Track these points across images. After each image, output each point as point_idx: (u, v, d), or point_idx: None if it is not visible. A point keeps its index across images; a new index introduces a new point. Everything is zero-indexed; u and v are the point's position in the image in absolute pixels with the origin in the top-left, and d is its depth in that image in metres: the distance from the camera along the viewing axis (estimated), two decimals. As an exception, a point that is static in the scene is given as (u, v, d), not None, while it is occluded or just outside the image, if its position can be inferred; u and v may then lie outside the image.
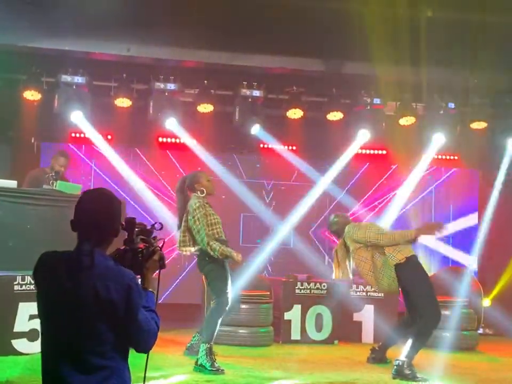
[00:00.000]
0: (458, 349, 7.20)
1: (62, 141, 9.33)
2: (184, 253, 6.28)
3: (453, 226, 10.35)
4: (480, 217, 9.85)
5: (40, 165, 8.97)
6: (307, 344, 7.45)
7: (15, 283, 6.09)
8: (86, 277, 2.51)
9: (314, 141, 9.52)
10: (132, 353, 2.69)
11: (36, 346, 5.74)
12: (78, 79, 8.30)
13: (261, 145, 9.77)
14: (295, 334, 7.67)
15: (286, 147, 9.77)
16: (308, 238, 9.87)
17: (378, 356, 6.60)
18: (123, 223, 2.70)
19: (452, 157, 10.32)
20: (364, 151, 9.98)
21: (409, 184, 9.81)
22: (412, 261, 6.15)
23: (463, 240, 10.19)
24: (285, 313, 7.69)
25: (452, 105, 9.09)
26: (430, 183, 10.37)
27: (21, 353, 5.99)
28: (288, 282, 7.88)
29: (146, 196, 9.31)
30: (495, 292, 9.45)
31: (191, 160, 9.14)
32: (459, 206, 10.46)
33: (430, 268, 9.49)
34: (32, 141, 9.22)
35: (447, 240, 10.28)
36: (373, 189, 10.19)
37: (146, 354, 2.73)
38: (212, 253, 6.00)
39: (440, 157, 10.05)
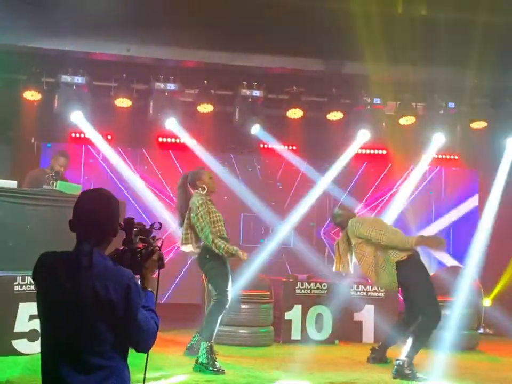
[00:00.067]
0: (458, 348, 7.19)
1: (62, 141, 9.34)
2: (186, 250, 6.26)
3: (453, 226, 10.37)
4: (480, 217, 9.84)
5: (40, 165, 8.98)
6: (307, 344, 7.44)
7: (15, 283, 6.09)
8: (85, 277, 2.51)
9: (314, 141, 9.53)
10: (132, 353, 2.69)
11: (36, 347, 5.73)
12: (78, 79, 8.30)
13: (261, 145, 9.78)
14: (296, 334, 7.67)
15: (286, 147, 9.78)
16: (308, 238, 9.87)
17: (378, 356, 6.60)
18: (122, 223, 2.70)
19: (451, 157, 10.33)
20: (364, 151, 9.98)
21: (409, 184, 9.81)
22: (414, 259, 6.13)
23: (463, 240, 10.18)
24: (285, 313, 7.69)
25: (452, 105, 9.09)
26: (430, 183, 10.37)
27: (21, 354, 5.99)
28: (288, 282, 7.88)
29: (146, 196, 9.31)
30: (495, 291, 9.45)
31: (191, 160, 9.13)
32: (459, 205, 10.46)
33: (430, 267, 9.49)
34: (32, 141, 9.23)
35: (448, 239, 10.28)
36: (373, 188, 10.19)
37: (146, 354, 2.73)
38: (216, 251, 5.98)
39: (440, 156, 10.06)
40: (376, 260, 6.16)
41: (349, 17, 7.02)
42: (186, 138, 9.22)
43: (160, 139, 9.66)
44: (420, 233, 8.43)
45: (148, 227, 2.79)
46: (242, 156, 10.01)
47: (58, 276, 2.54)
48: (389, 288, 6.43)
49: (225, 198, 9.13)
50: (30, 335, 6.02)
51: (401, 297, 6.62)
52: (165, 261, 2.82)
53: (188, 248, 6.20)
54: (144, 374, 2.86)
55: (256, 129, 9.00)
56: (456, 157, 10.32)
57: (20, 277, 6.10)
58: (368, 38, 7.27)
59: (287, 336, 7.65)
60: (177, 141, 9.46)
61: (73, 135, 9.24)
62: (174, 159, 9.68)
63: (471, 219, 10.31)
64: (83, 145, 9.46)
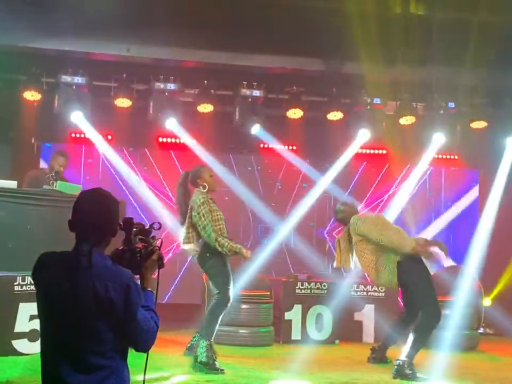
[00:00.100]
0: (458, 348, 7.18)
1: (62, 141, 9.34)
2: (187, 248, 6.23)
3: (453, 226, 10.37)
4: (480, 217, 9.84)
5: (40, 165, 8.99)
6: (308, 344, 7.43)
7: (15, 283, 6.09)
8: (84, 276, 2.52)
9: (314, 141, 9.53)
10: (132, 353, 2.69)
11: (36, 347, 5.71)
12: (78, 79, 8.30)
13: (261, 145, 9.78)
14: (296, 334, 7.66)
15: (286, 147, 9.78)
16: (308, 237, 9.86)
17: (379, 356, 6.60)
18: (121, 223, 2.70)
19: (452, 157, 10.33)
20: (364, 151, 9.98)
21: (409, 183, 9.81)
22: (415, 258, 6.11)
23: (463, 239, 10.18)
24: (286, 313, 7.69)
25: (452, 104, 9.08)
26: (430, 183, 10.36)
27: (21, 354, 5.99)
28: (288, 282, 7.88)
29: (146, 196, 9.32)
30: (495, 291, 9.45)
31: (191, 160, 9.12)
32: (459, 205, 10.46)
33: (430, 267, 9.48)
34: (32, 141, 9.23)
35: (448, 239, 10.28)
36: (373, 188, 10.19)
37: (146, 354, 2.73)
38: (219, 249, 5.96)
39: (440, 156, 10.05)
40: (377, 258, 6.15)
41: (349, 17, 7.03)
42: (186, 138, 9.22)
43: (160, 139, 9.66)
44: (420, 235, 8.46)
45: (147, 227, 2.79)
46: (242, 156, 10.01)
47: (58, 276, 2.54)
48: (389, 286, 6.42)
49: (226, 198, 9.13)
50: (30, 335, 6.02)
51: (401, 297, 6.61)
52: (165, 261, 2.82)
53: (190, 247, 6.18)
54: (144, 374, 2.86)
55: (256, 129, 9.01)
56: (456, 157, 10.33)
57: (20, 277, 6.10)
58: (368, 38, 7.27)
59: (287, 336, 7.65)
60: (177, 141, 9.46)
61: (73, 135, 9.25)
62: (174, 159, 9.68)
63: (471, 219, 10.30)
64: (83, 145, 9.45)
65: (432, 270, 6.35)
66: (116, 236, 2.67)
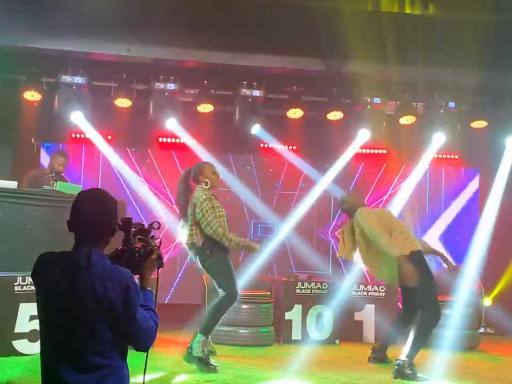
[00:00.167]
0: (459, 348, 7.18)
1: (62, 141, 9.34)
2: (187, 247, 6.18)
3: (453, 226, 10.37)
4: (480, 216, 9.84)
5: (40, 165, 8.99)
6: (308, 344, 7.43)
7: (15, 284, 6.09)
8: (83, 276, 2.52)
9: (314, 141, 9.53)
10: (132, 353, 2.69)
11: (36, 347, 5.67)
12: (78, 80, 8.30)
13: (261, 145, 9.78)
14: (296, 334, 7.66)
15: (286, 147, 9.78)
16: (308, 237, 9.86)
17: (379, 356, 6.59)
18: (120, 223, 2.70)
19: (452, 156, 10.32)
20: (364, 151, 9.98)
21: (409, 183, 9.81)
22: (417, 256, 6.06)
23: (463, 239, 10.18)
24: (286, 313, 7.69)
25: (452, 104, 9.08)
26: (430, 182, 10.36)
27: (22, 354, 5.99)
28: (288, 282, 7.87)
29: (146, 196, 9.31)
30: (496, 291, 9.45)
31: (191, 160, 9.08)
32: (459, 205, 10.46)
33: (430, 267, 9.48)
34: (32, 141, 9.23)
35: (448, 239, 10.29)
36: (372, 188, 10.18)
37: (145, 354, 2.73)
38: (227, 243, 5.92)
39: (440, 156, 10.05)
40: (378, 252, 6.11)
41: (349, 17, 7.02)
42: (186, 138, 9.22)
43: (160, 139, 9.66)
44: (423, 236, 8.44)
45: (146, 227, 2.79)
46: (241, 156, 10.00)
47: (57, 276, 2.55)
48: (389, 281, 6.39)
49: (228, 199, 9.13)
50: (30, 336, 6.01)
51: (400, 297, 6.60)
52: (164, 260, 2.82)
53: (192, 241, 6.12)
54: (144, 374, 2.86)
55: (256, 129, 9.00)
56: (456, 157, 10.32)
57: (20, 277, 6.10)
58: (368, 38, 7.27)
59: (287, 336, 7.65)
60: (178, 141, 9.46)
61: (73, 135, 9.24)
62: (174, 159, 9.67)
63: (471, 218, 10.30)
64: (83, 146, 9.45)
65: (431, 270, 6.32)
66: (114, 235, 2.67)
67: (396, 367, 5.95)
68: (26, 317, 6.02)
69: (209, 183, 6.12)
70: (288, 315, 7.69)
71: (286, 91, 8.97)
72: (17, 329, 6.06)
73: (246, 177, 9.81)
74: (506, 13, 7.34)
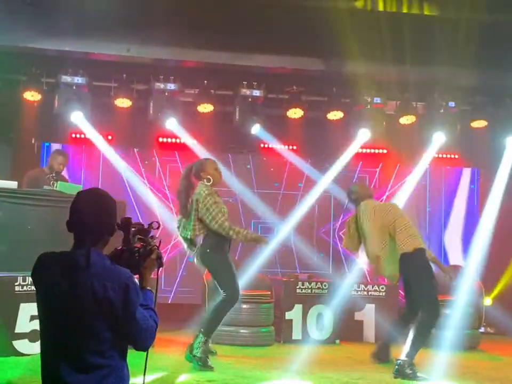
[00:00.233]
0: (459, 348, 7.18)
1: (63, 141, 9.34)
2: (189, 240, 6.13)
3: (454, 226, 10.37)
4: (480, 216, 9.84)
5: (41, 165, 8.99)
6: (308, 343, 7.42)
7: (16, 284, 6.09)
8: (83, 276, 2.52)
9: (314, 141, 9.53)
10: (132, 353, 2.69)
11: (37, 347, 5.66)
12: (78, 80, 8.30)
13: (261, 145, 9.78)
14: (296, 334, 7.66)
15: (286, 147, 9.78)
16: (309, 237, 9.86)
17: (383, 356, 6.53)
18: (119, 222, 2.70)
19: (452, 156, 10.32)
20: (364, 150, 9.98)
21: (409, 183, 9.81)
22: (419, 254, 6.03)
23: (463, 239, 10.19)
24: (286, 312, 7.68)
25: (452, 104, 9.07)
26: (430, 182, 10.36)
27: (22, 354, 5.98)
28: (289, 282, 7.87)
29: (146, 196, 9.32)
30: (496, 290, 9.45)
31: (191, 160, 9.08)
32: (459, 204, 10.46)
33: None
34: (33, 141, 9.24)
35: (448, 239, 10.28)
36: (372, 187, 10.18)
37: (145, 354, 2.73)
38: (234, 236, 5.88)
39: (440, 155, 10.05)
40: (386, 247, 6.08)
41: (349, 17, 7.02)
42: (186, 138, 9.22)
43: (160, 139, 9.65)
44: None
45: (146, 226, 2.79)
46: (241, 156, 10.00)
47: (57, 276, 2.55)
48: (390, 279, 6.33)
49: (230, 200, 9.12)
50: (31, 336, 6.01)
51: (403, 292, 6.57)
52: (164, 260, 2.82)
53: (195, 235, 6.09)
54: (144, 374, 2.86)
55: (256, 129, 9.01)
56: (456, 156, 10.32)
57: (21, 277, 6.10)
58: (368, 38, 7.27)
59: (288, 336, 7.65)
60: (178, 141, 9.46)
61: (73, 135, 9.24)
62: (175, 159, 9.67)
63: (471, 218, 10.30)
64: (83, 146, 9.45)
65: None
66: (113, 235, 2.67)
67: (396, 366, 5.94)
68: (27, 317, 6.02)
69: (211, 180, 6.06)
70: (288, 315, 7.68)
71: (286, 91, 8.97)
72: (18, 329, 6.05)
73: (246, 177, 9.81)
74: (506, 13, 7.34)
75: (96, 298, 2.50)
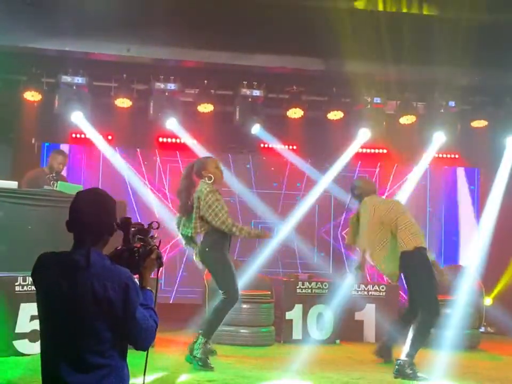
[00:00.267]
0: (460, 347, 7.18)
1: (63, 141, 9.34)
2: (189, 237, 6.12)
3: (454, 225, 10.37)
4: (480, 216, 9.84)
5: (41, 165, 8.99)
6: (308, 343, 7.42)
7: (16, 284, 6.09)
8: (83, 276, 2.52)
9: (314, 140, 9.53)
10: (133, 353, 2.69)
11: (37, 347, 5.64)
12: (78, 80, 8.30)
13: (262, 145, 9.78)
14: (297, 334, 7.66)
15: (287, 146, 9.78)
16: (309, 237, 9.86)
17: (386, 355, 6.50)
18: (118, 222, 2.70)
19: (452, 156, 10.32)
20: (364, 150, 9.98)
21: (409, 182, 9.81)
22: (420, 252, 6.00)
23: (463, 239, 10.19)
24: (286, 312, 7.68)
25: (452, 103, 9.07)
26: (430, 182, 10.36)
27: (22, 354, 5.99)
28: (289, 281, 7.87)
29: (146, 196, 9.32)
30: (496, 290, 9.44)
31: (191, 161, 9.11)
32: (459, 204, 10.46)
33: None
34: (33, 141, 9.24)
35: (448, 238, 10.29)
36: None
37: (146, 354, 2.73)
38: (237, 233, 5.86)
39: (440, 155, 10.05)
40: (382, 245, 6.07)
41: (349, 17, 7.03)
42: (186, 138, 9.22)
43: (161, 139, 9.66)
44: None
45: (146, 226, 2.79)
46: (241, 156, 10.00)
47: (57, 276, 2.55)
48: (390, 278, 6.30)
49: (232, 201, 9.12)
50: (31, 336, 6.01)
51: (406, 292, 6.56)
52: (163, 260, 2.82)
53: (191, 238, 6.09)
54: (144, 374, 2.86)
55: (256, 129, 9.00)
56: (456, 156, 10.32)
57: (21, 278, 6.10)
58: (369, 37, 7.27)
59: (288, 335, 7.65)
60: (178, 141, 9.46)
61: (73, 135, 9.25)
62: (175, 159, 9.67)
63: (471, 218, 10.30)
64: (83, 146, 9.45)
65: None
66: (113, 235, 2.67)
67: (397, 366, 5.93)
68: (27, 317, 6.02)
69: (212, 178, 6.03)
70: (288, 315, 7.68)
71: (286, 91, 8.97)
72: (18, 329, 6.06)
73: (246, 177, 9.81)
74: (506, 13, 7.34)
75: (96, 298, 2.50)
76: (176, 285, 9.51)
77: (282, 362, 6.42)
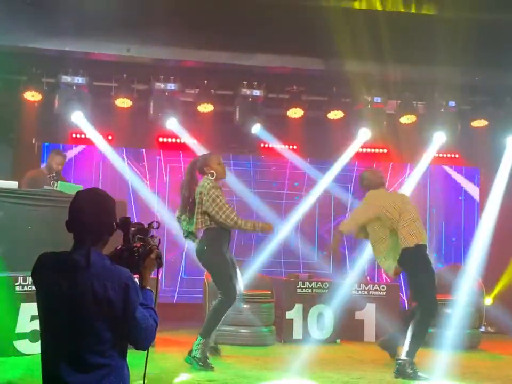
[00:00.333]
0: (460, 347, 7.18)
1: (63, 141, 9.35)
2: (190, 233, 6.12)
3: (454, 225, 10.37)
4: (480, 216, 9.84)
5: (41, 165, 8.99)
6: (309, 343, 7.42)
7: (16, 284, 6.10)
8: (83, 276, 2.52)
9: (315, 140, 9.53)
10: (133, 353, 2.69)
11: (37, 347, 5.64)
12: (78, 80, 8.30)
13: (262, 145, 9.78)
14: (297, 333, 7.66)
15: (287, 146, 9.78)
16: (310, 237, 9.86)
17: (389, 349, 6.44)
18: (117, 222, 2.70)
19: (452, 155, 10.32)
20: (364, 150, 9.98)
21: (409, 182, 9.81)
22: (420, 250, 6.00)
23: (464, 238, 10.19)
24: (287, 312, 7.68)
25: (452, 103, 9.07)
26: (430, 181, 10.36)
27: (23, 354, 5.99)
28: (289, 281, 7.87)
29: (146, 196, 9.32)
30: (496, 290, 9.45)
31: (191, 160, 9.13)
32: (459, 204, 10.46)
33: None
34: (33, 141, 9.24)
35: (448, 238, 10.28)
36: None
37: (146, 354, 2.73)
38: (242, 226, 5.84)
39: (441, 155, 10.05)
40: (383, 241, 6.06)
41: (350, 16, 7.03)
42: (186, 138, 9.22)
43: (161, 139, 9.66)
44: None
45: (146, 226, 2.79)
46: (242, 156, 10.00)
47: (57, 276, 2.55)
48: (386, 270, 6.25)
49: (232, 201, 9.12)
50: (31, 336, 6.01)
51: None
52: (163, 260, 2.82)
53: (192, 234, 6.08)
54: (144, 374, 2.86)
55: (256, 129, 9.00)
56: (457, 156, 10.32)
57: (21, 278, 6.11)
58: (369, 37, 7.27)
59: (288, 335, 7.65)
60: (178, 141, 9.46)
61: (73, 135, 9.25)
62: (175, 159, 9.68)
63: (471, 218, 10.30)
64: (84, 146, 9.45)
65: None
66: (113, 235, 2.68)
67: (397, 366, 5.93)
68: (27, 317, 6.03)
69: (215, 174, 6.02)
70: (289, 314, 7.68)
71: (286, 90, 8.97)
72: (18, 329, 6.06)
73: (246, 177, 9.81)
74: (506, 13, 7.33)
75: (96, 298, 2.50)
76: (177, 284, 9.51)
77: (283, 362, 6.42)
